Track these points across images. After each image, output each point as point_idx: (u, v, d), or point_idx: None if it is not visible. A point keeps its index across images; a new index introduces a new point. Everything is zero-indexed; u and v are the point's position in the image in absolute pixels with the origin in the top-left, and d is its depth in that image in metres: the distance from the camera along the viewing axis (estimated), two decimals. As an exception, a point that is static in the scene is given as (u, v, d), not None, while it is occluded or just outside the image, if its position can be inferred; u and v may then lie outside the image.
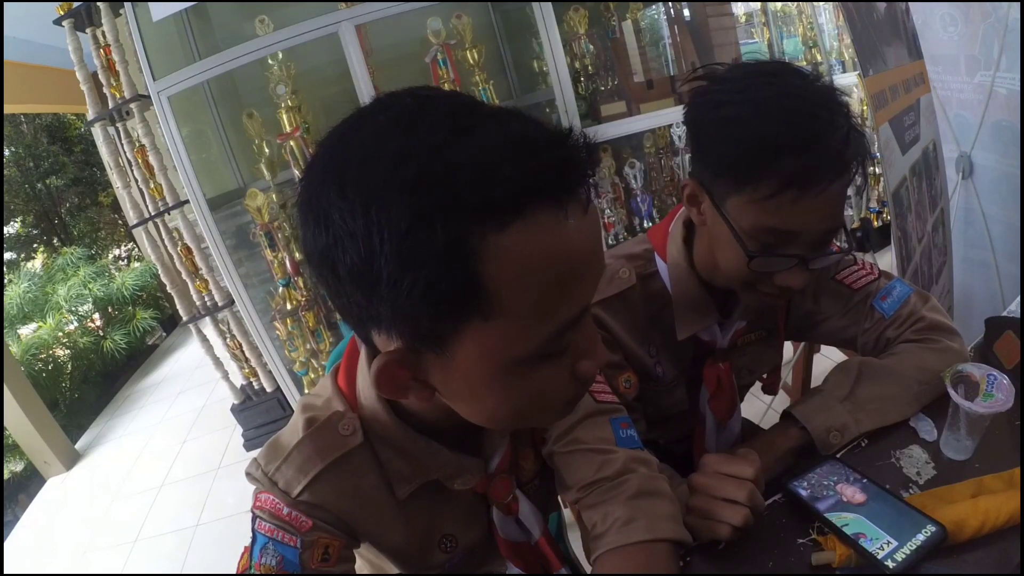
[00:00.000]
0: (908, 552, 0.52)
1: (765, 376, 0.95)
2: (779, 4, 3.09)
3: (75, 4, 2.21)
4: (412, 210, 0.34)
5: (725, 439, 0.88)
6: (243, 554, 0.53)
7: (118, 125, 2.34)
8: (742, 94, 0.61)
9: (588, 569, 0.59)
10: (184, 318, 2.54)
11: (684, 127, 0.78)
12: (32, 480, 3.20)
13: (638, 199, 2.28)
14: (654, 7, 2.43)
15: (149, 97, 2.08)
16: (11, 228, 5.37)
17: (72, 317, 4.13)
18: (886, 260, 2.06)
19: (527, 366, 0.41)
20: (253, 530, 0.53)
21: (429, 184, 0.34)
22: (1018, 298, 0.95)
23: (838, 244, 0.75)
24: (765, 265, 0.65)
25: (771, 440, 0.72)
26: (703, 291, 0.76)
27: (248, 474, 0.55)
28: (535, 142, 0.36)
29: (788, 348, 1.45)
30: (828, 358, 1.79)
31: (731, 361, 0.83)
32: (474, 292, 0.35)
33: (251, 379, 2.61)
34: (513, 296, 0.36)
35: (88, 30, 2.24)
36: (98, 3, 2.16)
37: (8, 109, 3.97)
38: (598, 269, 0.42)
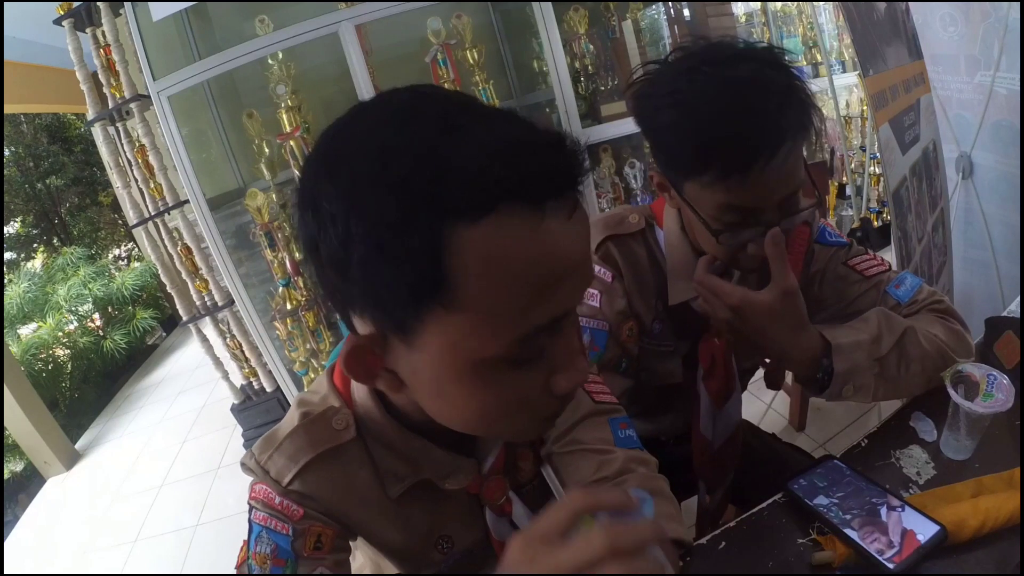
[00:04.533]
0: (908, 552, 0.52)
1: (768, 361, 0.94)
2: (779, 4, 3.09)
3: (75, 4, 2.20)
4: (388, 194, 0.35)
5: (723, 423, 0.87)
6: (242, 546, 0.54)
7: (118, 125, 2.34)
8: (670, 96, 0.65)
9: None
10: (184, 318, 2.54)
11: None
12: (32, 480, 3.20)
13: (638, 199, 2.28)
14: (654, 7, 2.43)
15: (149, 97, 2.08)
16: (11, 228, 5.38)
17: (72, 317, 4.12)
18: (886, 260, 2.06)
19: (494, 370, 0.40)
20: (249, 520, 0.54)
21: (407, 172, 0.35)
22: (1018, 298, 0.95)
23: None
24: (733, 239, 0.68)
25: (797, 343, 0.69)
26: (695, 260, 0.78)
27: (243, 464, 0.55)
28: (521, 143, 0.36)
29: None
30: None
31: (729, 341, 0.83)
32: (438, 280, 0.35)
33: (251, 379, 2.61)
34: (477, 291, 0.36)
35: (88, 30, 2.24)
36: (98, 3, 2.16)
37: (8, 109, 3.97)
38: (580, 278, 0.40)
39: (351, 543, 0.59)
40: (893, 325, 0.71)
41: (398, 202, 0.35)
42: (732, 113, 0.61)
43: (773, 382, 0.94)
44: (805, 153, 0.68)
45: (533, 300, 0.37)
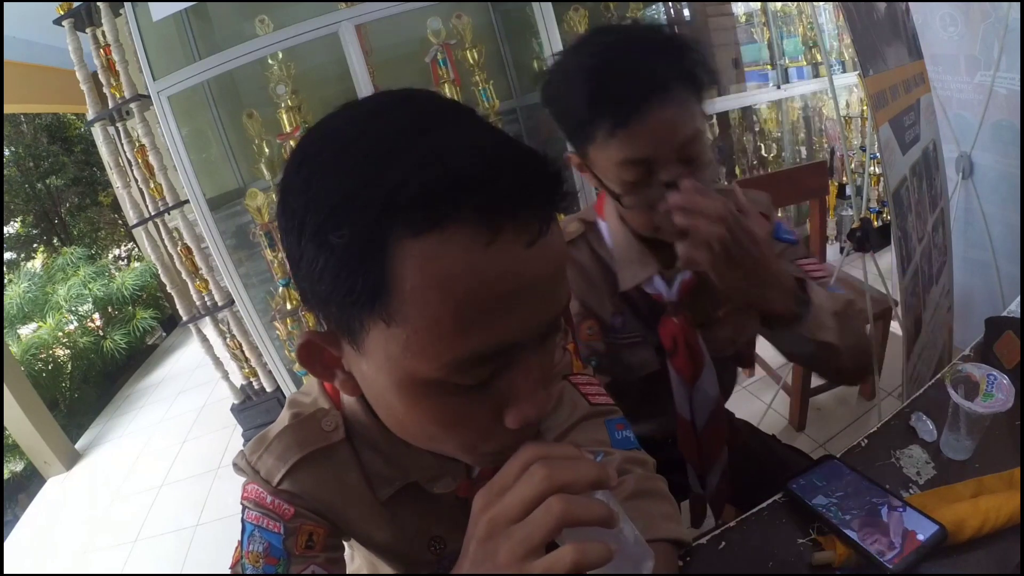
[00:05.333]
0: (908, 552, 0.52)
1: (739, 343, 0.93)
2: (779, 4, 3.09)
3: (75, 4, 2.20)
4: (339, 195, 0.34)
5: (700, 401, 0.86)
6: (236, 546, 0.55)
7: (118, 125, 2.34)
8: (559, 68, 0.71)
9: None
10: (184, 318, 2.54)
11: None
12: (32, 480, 3.20)
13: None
14: (654, 7, 2.44)
15: (149, 97, 2.08)
16: (11, 228, 5.37)
17: (72, 317, 4.12)
18: (886, 260, 2.06)
19: (433, 392, 0.38)
20: (242, 520, 0.54)
21: (362, 175, 0.34)
22: (1018, 298, 0.95)
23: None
24: (637, 201, 0.71)
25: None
26: (638, 242, 0.80)
27: (235, 464, 0.56)
28: (489, 160, 0.34)
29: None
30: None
31: (713, 332, 0.83)
32: (377, 292, 0.34)
33: (251, 379, 2.61)
34: (416, 307, 0.34)
35: (88, 30, 2.24)
36: (98, 3, 2.16)
37: (8, 109, 3.97)
38: (537, 307, 0.37)
39: (346, 543, 0.59)
40: (835, 296, 0.74)
41: (348, 202, 0.34)
42: (608, 64, 0.65)
43: (747, 359, 0.94)
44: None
45: (473, 326, 0.35)
